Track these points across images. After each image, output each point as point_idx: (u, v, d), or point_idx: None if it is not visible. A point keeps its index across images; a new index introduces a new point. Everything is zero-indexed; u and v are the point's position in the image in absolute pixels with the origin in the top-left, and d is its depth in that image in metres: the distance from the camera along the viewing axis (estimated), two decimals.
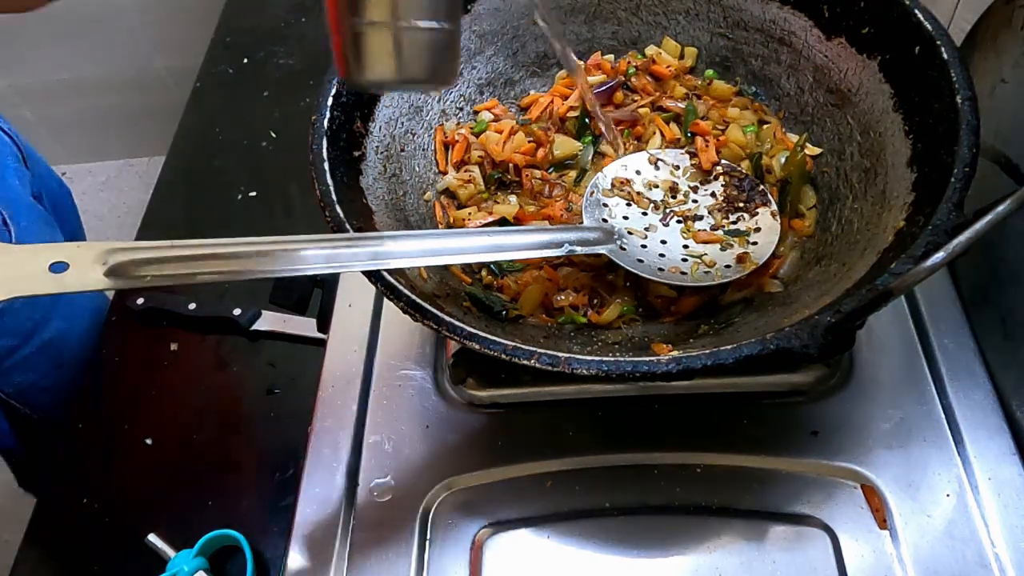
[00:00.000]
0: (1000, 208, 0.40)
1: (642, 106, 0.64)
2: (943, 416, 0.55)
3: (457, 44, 0.39)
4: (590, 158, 0.62)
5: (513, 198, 0.61)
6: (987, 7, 0.57)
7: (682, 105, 0.63)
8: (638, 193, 0.58)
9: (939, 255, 0.40)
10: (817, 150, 0.59)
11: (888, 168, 0.53)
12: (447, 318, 0.45)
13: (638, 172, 0.59)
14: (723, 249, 0.54)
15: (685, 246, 0.55)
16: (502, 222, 0.59)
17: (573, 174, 0.62)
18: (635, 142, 0.63)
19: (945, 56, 0.49)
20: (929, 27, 0.50)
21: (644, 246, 0.55)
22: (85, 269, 0.36)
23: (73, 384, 0.81)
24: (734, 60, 0.65)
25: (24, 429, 0.84)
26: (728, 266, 0.53)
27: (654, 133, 0.63)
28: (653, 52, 0.66)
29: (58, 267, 0.36)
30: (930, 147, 0.49)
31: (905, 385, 0.56)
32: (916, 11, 0.51)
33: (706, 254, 0.54)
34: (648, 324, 0.54)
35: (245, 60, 1.06)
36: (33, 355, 0.80)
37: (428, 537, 0.54)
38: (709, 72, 0.65)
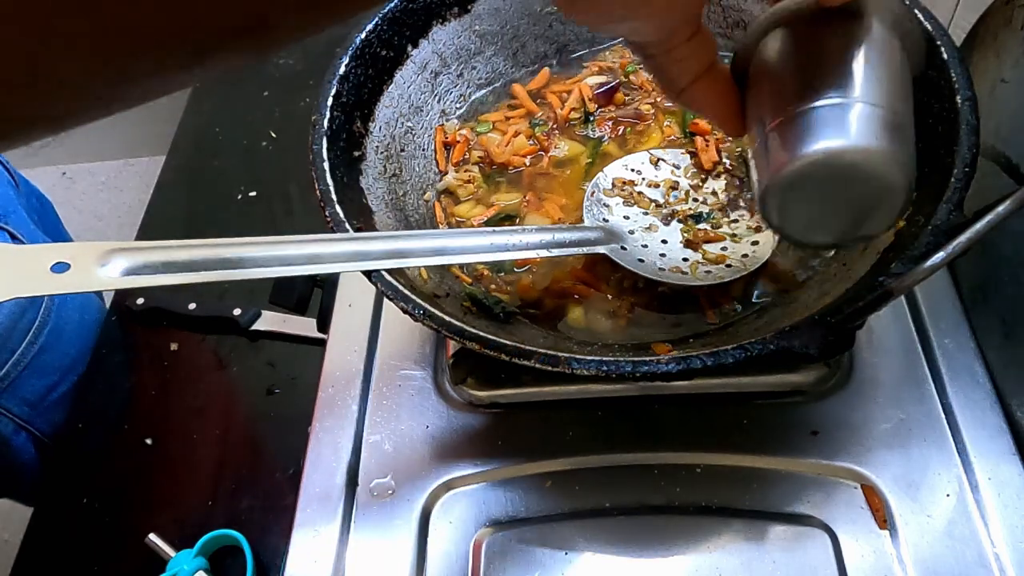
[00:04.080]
0: (1000, 208, 0.40)
1: (645, 103, 0.64)
2: (943, 416, 0.55)
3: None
4: (589, 158, 0.62)
5: (514, 194, 0.61)
6: (987, 7, 0.57)
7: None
8: (639, 193, 0.58)
9: (939, 255, 0.40)
10: None
11: None
12: (447, 318, 0.45)
13: (639, 172, 0.59)
14: (724, 248, 0.54)
15: (685, 246, 0.55)
16: (503, 219, 0.59)
17: (572, 171, 0.62)
18: (636, 136, 0.63)
19: (945, 56, 0.49)
20: (929, 27, 0.50)
21: (645, 246, 0.55)
22: (86, 269, 0.36)
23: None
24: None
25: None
26: (729, 265, 0.53)
27: (654, 132, 0.63)
28: None
29: (59, 267, 0.36)
30: (930, 147, 0.49)
31: (905, 385, 0.56)
32: (916, 11, 0.51)
33: (708, 253, 0.54)
34: (647, 324, 0.54)
35: None
36: (69, 391, 0.81)
37: (428, 537, 0.54)
38: None
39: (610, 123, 0.64)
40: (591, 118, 0.64)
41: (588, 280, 0.56)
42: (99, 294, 0.95)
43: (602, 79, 0.65)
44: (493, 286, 0.57)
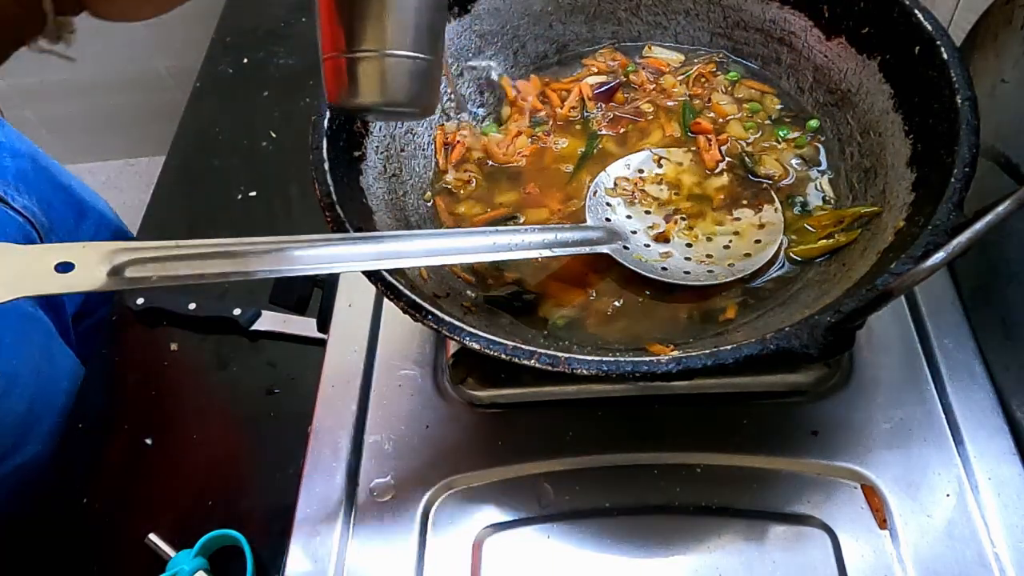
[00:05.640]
0: (1000, 208, 0.40)
1: (645, 102, 0.64)
2: (943, 416, 0.55)
3: (438, 76, 0.45)
4: (591, 153, 0.62)
5: (514, 193, 0.61)
6: (987, 7, 0.57)
7: (678, 101, 0.64)
8: (641, 191, 0.58)
9: (939, 255, 0.40)
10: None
11: (888, 168, 0.53)
12: (447, 318, 0.45)
13: (641, 171, 0.59)
14: (726, 247, 0.54)
15: (688, 245, 0.55)
16: (505, 220, 0.59)
17: (571, 164, 0.62)
18: (638, 134, 0.63)
19: (945, 56, 0.49)
20: (929, 27, 0.50)
21: (648, 245, 0.55)
22: (90, 269, 0.36)
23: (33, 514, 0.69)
24: (734, 60, 0.65)
25: None
26: (731, 264, 0.53)
27: (655, 130, 0.63)
28: (648, 55, 0.66)
29: (64, 267, 0.36)
30: (930, 147, 0.49)
31: (905, 385, 0.56)
32: (916, 11, 0.51)
33: (710, 253, 0.54)
34: (647, 323, 0.54)
35: (245, 60, 1.06)
36: (4, 479, 0.72)
37: (428, 537, 0.54)
38: (732, 74, 0.64)
39: (609, 118, 0.64)
40: (590, 116, 0.64)
41: (588, 279, 0.56)
42: (100, 296, 0.94)
43: (602, 79, 0.65)
44: (491, 280, 0.56)
